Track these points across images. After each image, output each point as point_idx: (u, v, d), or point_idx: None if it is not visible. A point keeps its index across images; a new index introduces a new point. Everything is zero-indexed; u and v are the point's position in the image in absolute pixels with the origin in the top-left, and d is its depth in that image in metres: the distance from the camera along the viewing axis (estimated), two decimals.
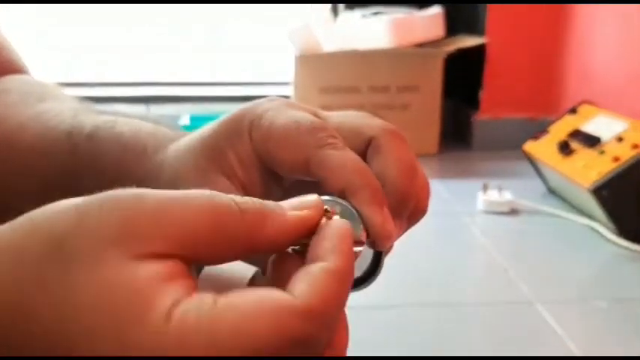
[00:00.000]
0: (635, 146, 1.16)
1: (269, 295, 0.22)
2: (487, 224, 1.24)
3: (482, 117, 1.83)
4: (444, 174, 1.50)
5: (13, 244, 0.22)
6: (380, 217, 0.28)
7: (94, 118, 0.39)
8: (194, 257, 0.22)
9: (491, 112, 1.83)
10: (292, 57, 1.65)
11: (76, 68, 2.00)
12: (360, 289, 0.31)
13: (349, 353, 0.76)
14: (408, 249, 1.07)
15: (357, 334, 0.91)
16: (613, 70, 1.57)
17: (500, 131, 1.79)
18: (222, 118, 0.32)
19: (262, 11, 1.97)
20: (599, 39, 1.62)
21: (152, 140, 0.35)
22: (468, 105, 1.86)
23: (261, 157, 0.31)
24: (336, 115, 0.32)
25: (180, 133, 0.35)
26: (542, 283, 0.97)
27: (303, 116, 0.30)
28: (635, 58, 1.47)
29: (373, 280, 0.31)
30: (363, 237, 0.28)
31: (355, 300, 0.90)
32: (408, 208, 0.30)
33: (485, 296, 0.94)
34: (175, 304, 0.21)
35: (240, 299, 0.21)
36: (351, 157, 0.29)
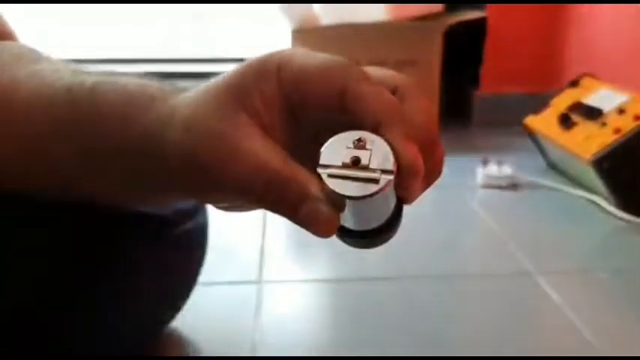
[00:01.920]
0: (636, 117, 1.14)
1: None
2: (487, 199, 1.23)
3: (482, 92, 1.81)
4: (444, 149, 1.48)
5: None
6: (413, 152, 0.28)
7: (94, 76, 0.38)
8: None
9: (491, 87, 1.81)
10: (288, 32, 1.63)
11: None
12: (382, 241, 0.31)
13: (345, 326, 0.76)
14: (407, 223, 1.06)
15: (355, 306, 0.91)
16: (615, 43, 1.55)
17: (501, 107, 1.78)
18: (245, 63, 0.31)
19: None
20: (600, 12, 1.60)
21: (160, 92, 0.35)
22: (468, 80, 1.84)
23: (288, 98, 0.30)
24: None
25: (187, 89, 0.35)
26: (542, 256, 0.97)
27: (337, 57, 0.31)
28: (636, 30, 1.45)
29: (395, 230, 0.31)
30: (395, 167, 0.28)
31: (353, 272, 0.90)
32: (432, 159, 0.30)
33: (485, 268, 0.93)
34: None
35: None
36: (387, 94, 0.29)
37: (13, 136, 0.38)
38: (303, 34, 1.62)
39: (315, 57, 0.30)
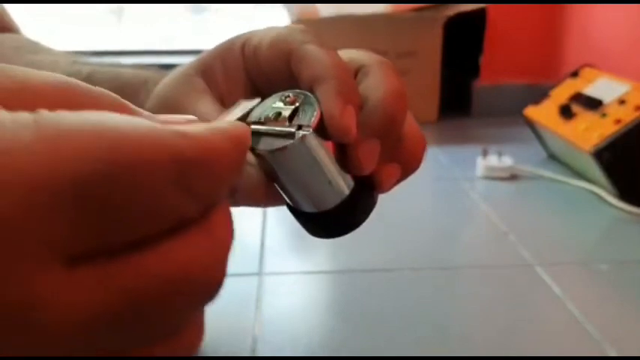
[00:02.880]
0: (637, 108, 1.14)
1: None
2: (487, 189, 1.22)
3: (482, 83, 1.80)
4: (444, 140, 1.48)
5: None
6: (339, 108, 0.26)
7: (91, 66, 0.39)
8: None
9: (491, 78, 1.80)
10: (288, 23, 1.62)
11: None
12: (341, 227, 0.29)
13: (346, 317, 0.76)
14: (407, 214, 1.06)
15: (356, 297, 0.91)
16: (615, 33, 1.54)
17: (501, 97, 1.77)
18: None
19: None
20: (599, 2, 1.59)
21: (153, 76, 0.36)
22: (468, 71, 1.84)
23: (249, 72, 0.31)
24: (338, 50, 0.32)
25: None
26: (543, 247, 0.96)
27: (297, 25, 0.31)
28: (636, 21, 1.44)
29: (356, 217, 0.28)
30: (314, 122, 0.25)
31: (354, 263, 0.90)
32: (391, 131, 0.28)
33: (485, 260, 0.93)
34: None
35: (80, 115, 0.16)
36: (330, 53, 0.28)
37: None
38: (303, 25, 1.61)
39: (274, 29, 0.31)
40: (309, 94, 0.27)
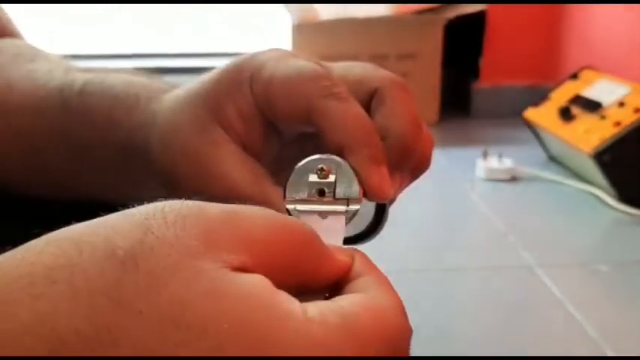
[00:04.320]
0: (636, 110, 1.14)
1: (373, 297, 0.22)
2: (487, 191, 1.23)
3: (482, 85, 1.81)
4: (444, 142, 1.48)
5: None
6: (377, 177, 0.27)
7: (84, 75, 0.38)
8: (269, 276, 0.20)
9: (491, 79, 1.81)
10: (289, 26, 1.63)
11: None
12: (365, 242, 0.31)
13: None
14: (408, 216, 1.06)
15: None
16: (614, 36, 1.54)
17: (501, 99, 1.78)
18: (222, 68, 0.30)
19: None
20: (599, 5, 1.60)
21: (145, 92, 0.35)
22: (468, 73, 1.84)
23: (262, 110, 0.30)
24: (340, 65, 0.31)
25: (175, 86, 0.34)
26: (543, 248, 0.97)
27: (306, 64, 0.29)
28: (636, 22, 1.44)
29: (378, 232, 0.30)
30: (360, 195, 0.27)
31: None
32: (412, 161, 0.29)
33: (486, 261, 0.94)
34: (303, 307, 0.19)
35: (361, 299, 0.21)
36: (353, 110, 0.28)
37: (7, 135, 0.39)
38: (304, 28, 1.62)
39: (284, 66, 0.29)
40: (342, 162, 0.27)
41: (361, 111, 0.28)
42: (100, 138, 0.35)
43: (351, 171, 0.27)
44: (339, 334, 0.19)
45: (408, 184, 0.31)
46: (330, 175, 0.27)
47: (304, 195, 0.27)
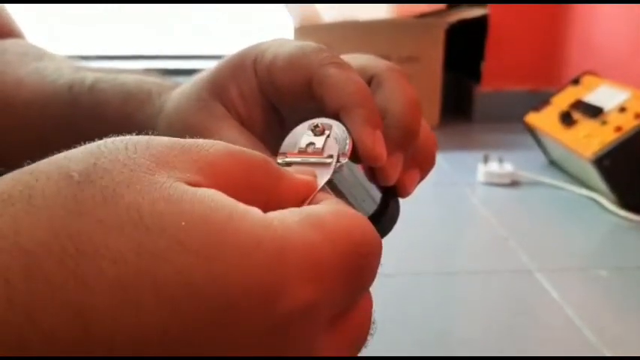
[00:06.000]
0: (637, 116, 1.14)
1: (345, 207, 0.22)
2: (487, 195, 1.23)
3: (483, 89, 1.81)
4: (445, 146, 1.48)
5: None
6: (370, 138, 0.27)
7: (95, 73, 0.39)
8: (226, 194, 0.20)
9: (492, 84, 1.81)
10: (291, 28, 1.63)
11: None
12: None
13: None
14: (408, 219, 1.06)
15: None
16: (616, 41, 1.55)
17: (502, 103, 1.78)
18: (227, 57, 0.32)
19: None
20: (601, 10, 1.60)
21: (156, 87, 0.36)
22: (470, 77, 1.84)
23: (265, 92, 0.30)
24: (344, 56, 0.32)
25: (186, 82, 0.35)
26: (543, 253, 0.97)
27: (308, 42, 0.30)
28: (638, 28, 1.45)
29: (385, 223, 0.30)
30: (349, 149, 0.27)
31: None
32: (412, 142, 0.29)
33: (486, 265, 0.94)
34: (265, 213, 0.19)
35: (325, 205, 0.21)
36: (352, 77, 0.28)
37: (15, 129, 0.39)
38: (306, 31, 1.62)
39: (287, 45, 0.30)
40: (337, 122, 0.28)
41: (360, 79, 0.29)
42: (110, 131, 0.35)
43: (344, 128, 0.27)
44: (299, 226, 0.19)
45: (419, 181, 0.31)
46: (325, 132, 0.27)
47: (295, 150, 0.27)
